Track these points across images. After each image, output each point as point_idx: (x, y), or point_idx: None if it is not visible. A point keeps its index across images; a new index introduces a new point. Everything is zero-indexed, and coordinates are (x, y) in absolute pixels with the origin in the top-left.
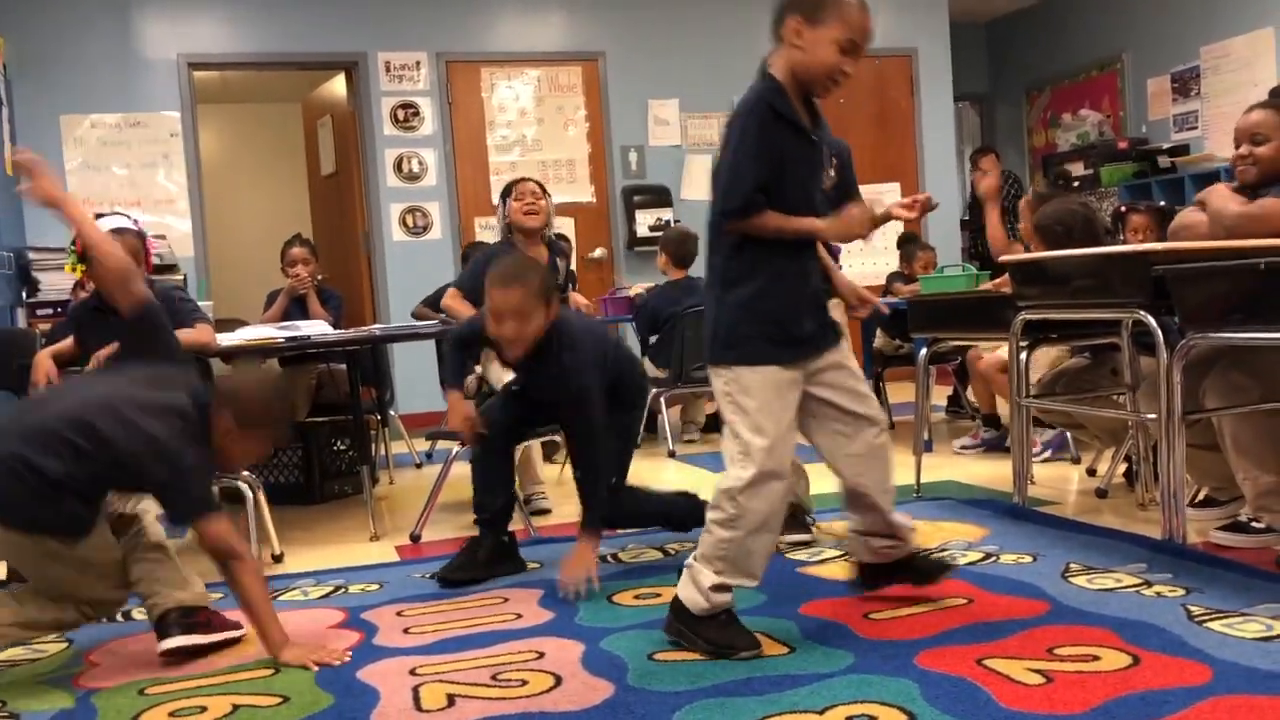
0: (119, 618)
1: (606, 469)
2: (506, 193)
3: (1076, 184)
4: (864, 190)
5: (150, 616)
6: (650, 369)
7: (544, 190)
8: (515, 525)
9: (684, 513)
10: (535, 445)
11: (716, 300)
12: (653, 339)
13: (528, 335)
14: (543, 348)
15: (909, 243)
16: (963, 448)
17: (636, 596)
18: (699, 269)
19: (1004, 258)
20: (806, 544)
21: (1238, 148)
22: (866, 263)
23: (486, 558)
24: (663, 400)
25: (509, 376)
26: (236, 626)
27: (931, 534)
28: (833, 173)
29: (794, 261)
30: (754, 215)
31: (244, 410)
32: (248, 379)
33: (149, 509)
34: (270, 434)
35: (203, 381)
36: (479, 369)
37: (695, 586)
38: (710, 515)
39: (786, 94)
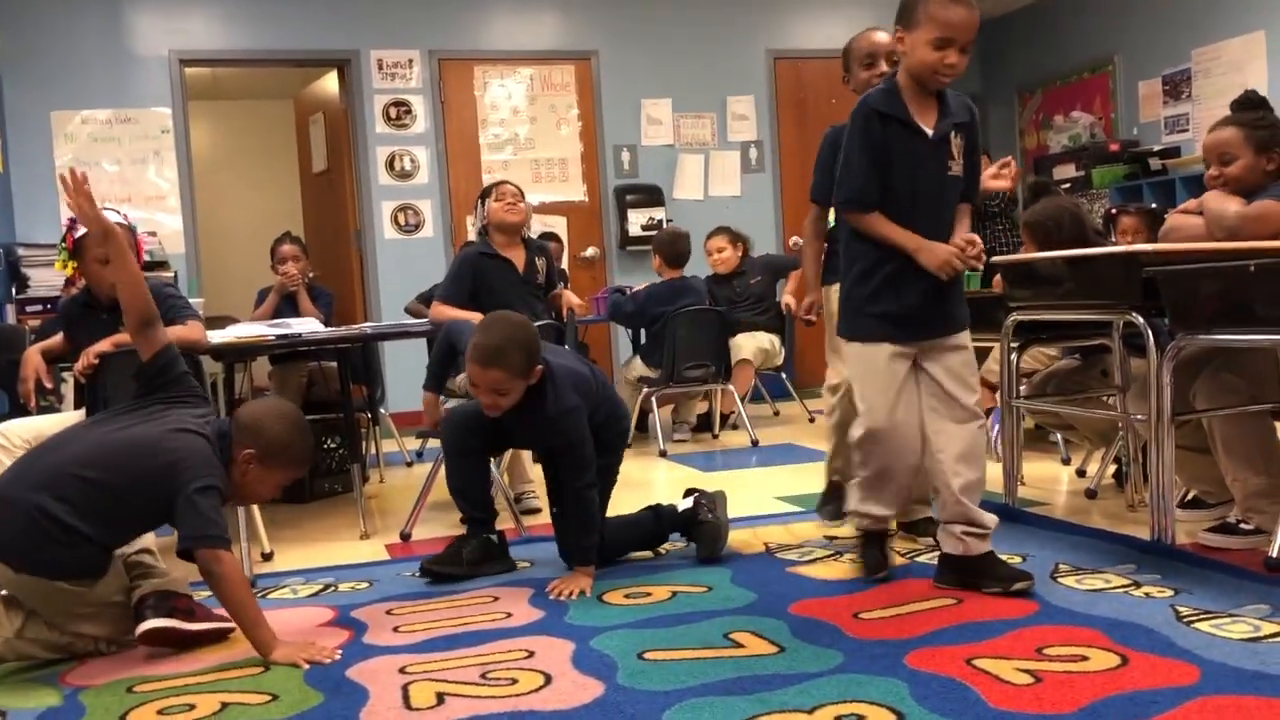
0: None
1: (599, 509)
2: (486, 194)
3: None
4: None
5: (130, 603)
6: (640, 368)
7: (522, 194)
8: (505, 524)
9: (655, 530)
10: None
11: (843, 279)
12: (643, 339)
13: (507, 405)
14: (527, 401)
15: None
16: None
17: (627, 595)
18: (693, 268)
19: (996, 258)
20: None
21: (1208, 167)
22: None
23: (473, 556)
24: (654, 400)
25: None
26: (223, 619)
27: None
28: (958, 157)
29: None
30: (864, 209)
31: (267, 445)
32: (271, 411)
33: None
34: (291, 469)
35: (197, 384)
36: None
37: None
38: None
39: (898, 93)
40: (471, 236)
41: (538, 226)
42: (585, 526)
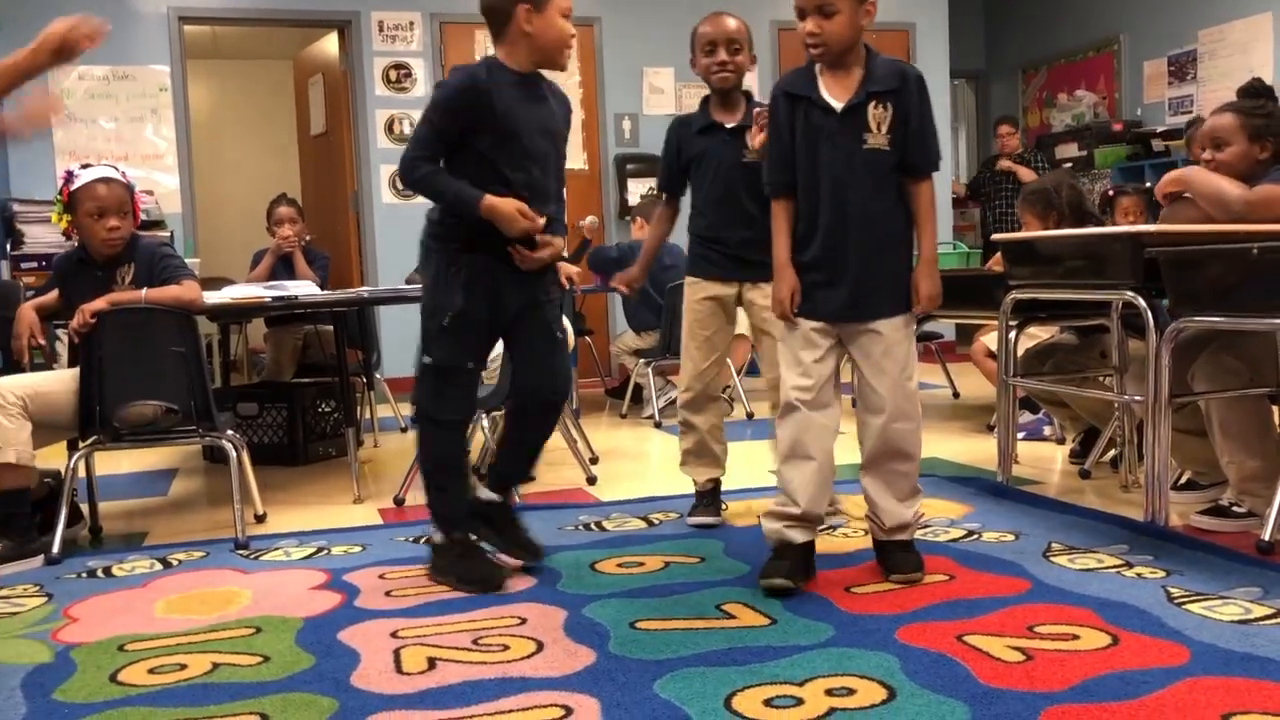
0: (100, 574)
1: None
2: None
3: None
4: None
5: None
6: (633, 340)
7: None
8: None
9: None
10: None
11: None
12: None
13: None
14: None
15: None
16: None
17: (619, 565)
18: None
19: (995, 236)
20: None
21: (1201, 151)
22: None
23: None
24: (649, 370)
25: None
26: None
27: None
28: (879, 129)
29: None
30: (774, 197)
31: None
32: None
33: None
34: None
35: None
36: None
37: None
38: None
39: (812, 68)
40: None
41: None
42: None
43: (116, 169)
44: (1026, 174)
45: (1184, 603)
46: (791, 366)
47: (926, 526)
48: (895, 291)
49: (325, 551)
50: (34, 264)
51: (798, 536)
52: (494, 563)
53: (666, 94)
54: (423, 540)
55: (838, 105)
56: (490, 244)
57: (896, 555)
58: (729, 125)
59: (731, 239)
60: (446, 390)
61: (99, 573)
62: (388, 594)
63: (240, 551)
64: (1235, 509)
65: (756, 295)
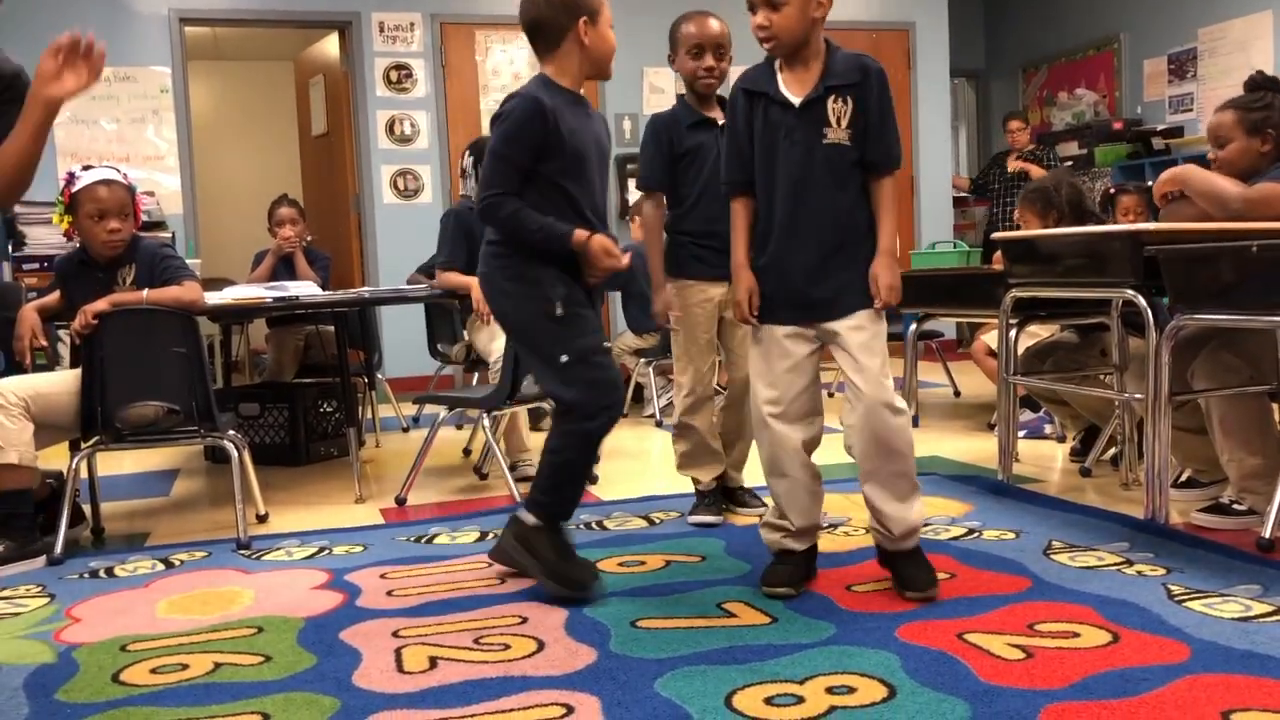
0: (102, 574)
1: None
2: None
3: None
4: None
5: None
6: (633, 340)
7: None
8: (500, 493)
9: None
10: (522, 413)
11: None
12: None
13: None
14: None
15: None
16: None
17: (621, 564)
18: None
19: (996, 235)
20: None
21: (1210, 151)
22: None
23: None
24: (650, 370)
25: (497, 343)
26: None
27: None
28: (839, 124)
29: None
30: (730, 195)
31: None
32: None
33: None
34: None
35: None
36: (466, 334)
37: None
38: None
39: (773, 64)
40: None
41: None
42: None
43: (118, 170)
44: (1039, 173)
45: (1184, 600)
46: (760, 377)
47: (927, 524)
48: (863, 287)
49: (327, 551)
50: (36, 265)
51: (797, 545)
52: (593, 569)
53: (667, 94)
54: (514, 518)
55: (795, 100)
56: (554, 259)
57: (908, 570)
58: (721, 122)
59: (726, 234)
60: (597, 376)
61: (101, 573)
62: (389, 594)
63: (242, 551)
64: (1235, 506)
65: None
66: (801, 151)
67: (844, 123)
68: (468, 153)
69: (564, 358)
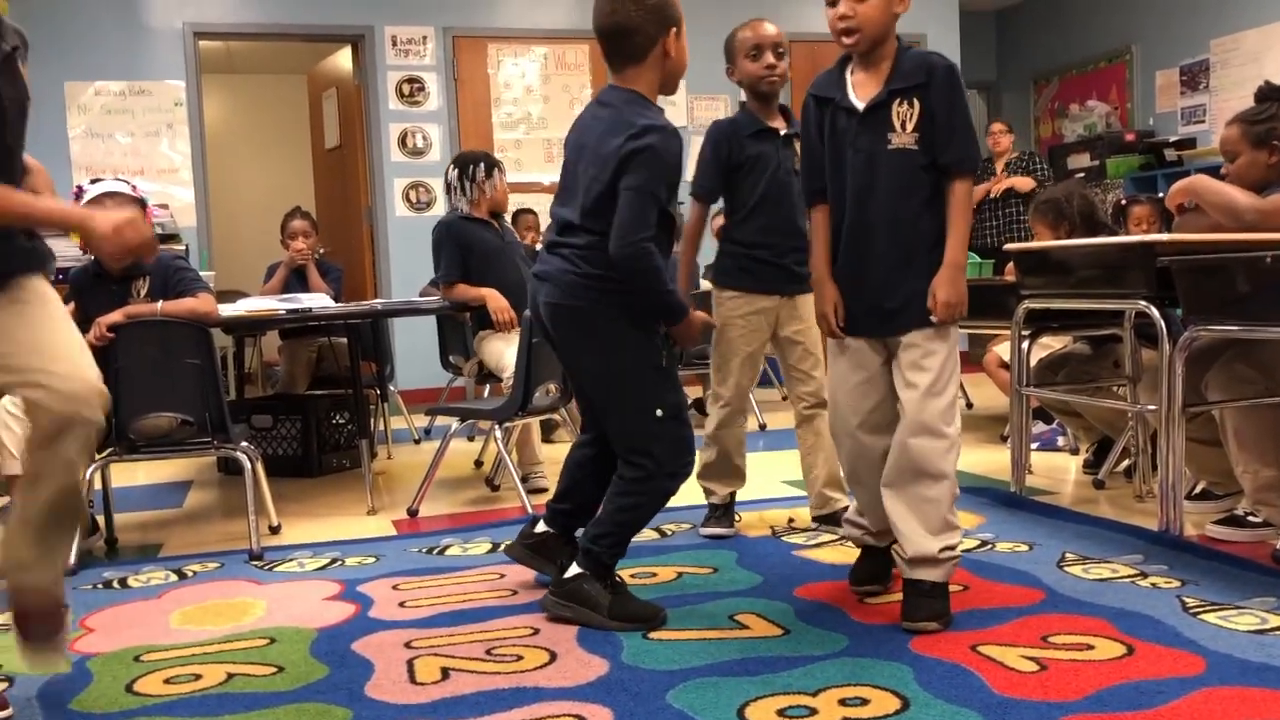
0: (115, 585)
1: None
2: (492, 168)
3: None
4: None
5: None
6: None
7: None
8: (513, 504)
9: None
10: (534, 424)
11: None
12: None
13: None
14: None
15: None
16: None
17: (632, 575)
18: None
19: (1009, 246)
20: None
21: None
22: None
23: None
24: None
25: (508, 355)
26: None
27: None
28: (904, 128)
29: None
30: (809, 205)
31: None
32: None
33: None
34: None
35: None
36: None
37: None
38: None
39: (844, 68)
40: (464, 208)
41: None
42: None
43: (127, 182)
44: (1024, 183)
45: (1199, 613)
46: (839, 388)
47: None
48: (924, 302)
49: (339, 562)
50: (51, 278)
51: (877, 543)
52: (650, 603)
53: (678, 104)
54: (567, 575)
55: (860, 105)
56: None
57: (911, 599)
58: (783, 131)
59: (781, 246)
60: (685, 434)
61: (115, 584)
62: (401, 605)
63: (255, 563)
64: (1250, 519)
65: (791, 306)
66: (865, 159)
67: (910, 126)
68: (453, 167)
69: (659, 411)
